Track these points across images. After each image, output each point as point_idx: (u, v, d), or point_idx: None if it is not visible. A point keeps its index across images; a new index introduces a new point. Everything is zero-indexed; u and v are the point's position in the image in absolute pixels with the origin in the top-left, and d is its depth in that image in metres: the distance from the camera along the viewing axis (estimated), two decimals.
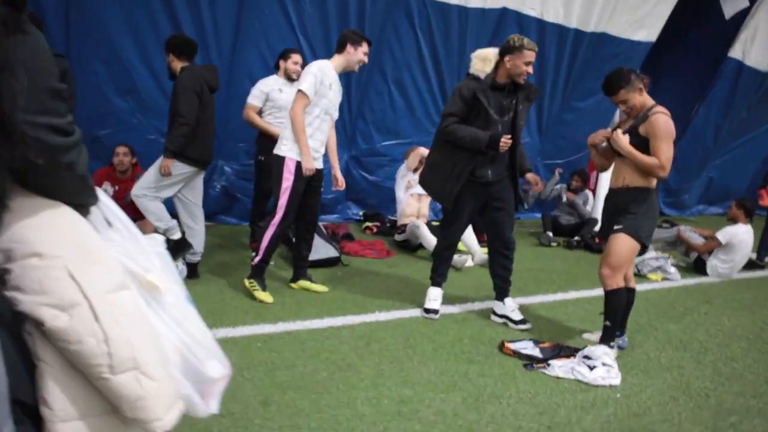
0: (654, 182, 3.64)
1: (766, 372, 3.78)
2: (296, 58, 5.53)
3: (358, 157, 7.37)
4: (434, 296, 4.37)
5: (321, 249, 5.44)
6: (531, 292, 5.10)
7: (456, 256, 5.74)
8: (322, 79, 4.19)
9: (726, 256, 6.14)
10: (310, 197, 4.48)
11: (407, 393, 3.12)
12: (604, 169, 4.01)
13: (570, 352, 3.71)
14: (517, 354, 3.71)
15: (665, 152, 3.51)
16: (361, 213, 7.53)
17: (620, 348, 3.89)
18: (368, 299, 4.59)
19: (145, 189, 4.44)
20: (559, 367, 3.52)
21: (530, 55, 3.86)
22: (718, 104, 9.44)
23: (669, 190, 10.07)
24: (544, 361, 3.62)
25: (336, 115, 4.48)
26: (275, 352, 3.55)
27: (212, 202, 6.85)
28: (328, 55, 6.57)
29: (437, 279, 4.42)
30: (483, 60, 4.04)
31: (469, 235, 6.10)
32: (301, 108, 4.17)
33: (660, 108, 3.58)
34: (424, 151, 6.31)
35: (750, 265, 6.58)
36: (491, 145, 3.92)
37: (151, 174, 4.48)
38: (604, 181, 8.06)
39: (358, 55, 4.32)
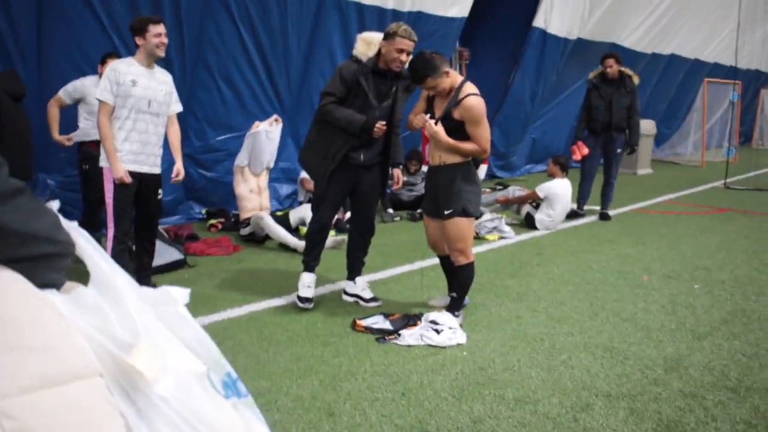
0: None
1: (589, 310, 4.21)
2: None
3: (193, 155, 7.10)
4: (308, 282, 4.28)
5: (164, 253, 5.20)
6: (379, 268, 5.25)
7: (333, 237, 5.77)
8: (117, 78, 3.97)
9: (548, 209, 6.73)
10: (144, 204, 4.28)
11: (264, 384, 3.11)
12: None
13: (418, 320, 3.89)
14: (369, 330, 3.82)
15: (483, 135, 3.68)
16: (204, 211, 7.29)
17: (462, 306, 4.14)
18: (218, 297, 4.48)
19: None
20: (409, 336, 3.68)
21: (403, 43, 3.81)
22: (530, 71, 10.19)
23: (498, 154, 10.76)
24: (395, 332, 3.76)
25: (162, 109, 4.19)
26: None
27: None
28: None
29: (311, 263, 4.32)
30: (367, 43, 4.02)
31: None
32: (104, 115, 3.99)
33: (469, 87, 3.70)
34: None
35: (572, 215, 7.27)
36: (365, 130, 3.90)
37: None
38: None
39: (150, 40, 4.03)
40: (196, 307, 4.23)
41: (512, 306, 4.29)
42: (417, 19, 7.95)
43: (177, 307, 1.12)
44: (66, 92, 5.20)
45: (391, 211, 7.45)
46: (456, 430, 2.67)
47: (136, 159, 4.08)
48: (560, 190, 6.75)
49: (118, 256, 4.07)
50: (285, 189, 7.74)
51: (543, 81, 10.43)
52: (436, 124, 3.65)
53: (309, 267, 4.31)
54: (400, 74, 4.01)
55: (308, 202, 6.78)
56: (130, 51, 5.98)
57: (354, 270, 4.43)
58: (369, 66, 3.93)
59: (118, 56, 5.21)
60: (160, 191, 4.36)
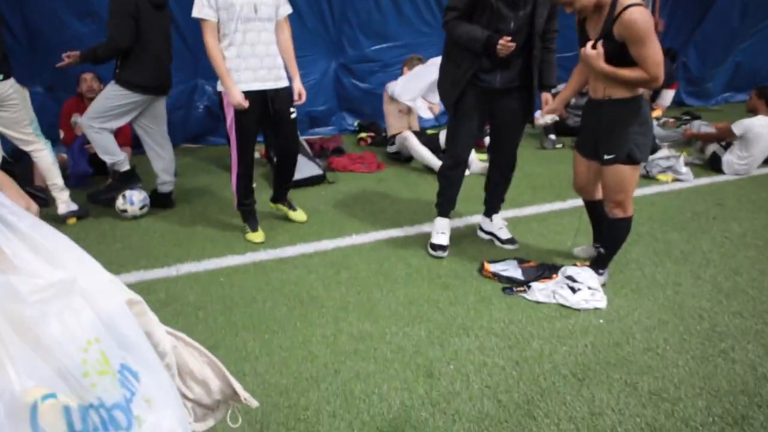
0: (641, 89, 3.08)
1: None
2: None
3: (347, 65, 6.91)
4: (441, 228, 3.84)
5: (304, 167, 5.14)
6: (525, 203, 4.77)
7: (484, 163, 5.34)
8: None
9: (742, 151, 5.66)
10: (276, 126, 3.86)
11: (368, 328, 2.91)
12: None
13: (554, 272, 3.43)
14: (497, 276, 3.44)
15: (652, 57, 2.84)
16: (356, 123, 7.15)
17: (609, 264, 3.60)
18: (348, 221, 4.34)
19: (92, 119, 4.13)
20: (540, 291, 3.25)
21: None
22: None
23: (690, 79, 9.34)
24: (525, 283, 3.35)
25: (272, 12, 3.61)
26: (237, 287, 3.35)
27: (196, 123, 6.59)
28: None
29: (445, 206, 3.85)
30: None
31: None
32: (209, 36, 3.51)
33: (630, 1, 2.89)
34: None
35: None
36: (488, 48, 3.28)
37: (97, 103, 4.15)
38: None
39: None
40: (321, 231, 4.13)
41: (672, 268, 3.64)
42: None
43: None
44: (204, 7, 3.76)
45: (553, 137, 6.76)
46: (568, 421, 2.28)
47: (255, 76, 3.63)
48: (762, 130, 5.60)
49: (241, 184, 3.91)
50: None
51: None
52: (594, 47, 2.99)
53: (443, 211, 3.88)
54: None
55: None
56: None
57: (492, 207, 4.01)
58: None
59: None
60: (292, 110, 3.86)
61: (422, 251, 3.81)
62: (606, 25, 2.89)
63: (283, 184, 4.27)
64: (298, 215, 4.34)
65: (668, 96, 8.58)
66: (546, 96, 3.63)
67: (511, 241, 3.91)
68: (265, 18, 3.59)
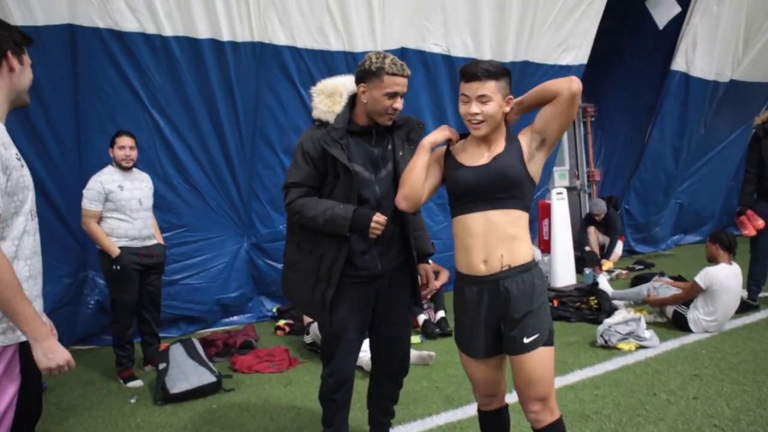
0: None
1: None
2: (123, 141, 4.41)
3: (259, 244, 6.19)
4: None
5: (191, 375, 4.18)
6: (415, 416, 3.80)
7: (415, 353, 4.44)
8: None
9: (707, 306, 4.93)
10: None
11: None
12: (416, 193, 2.56)
13: None
14: None
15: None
16: (274, 309, 6.29)
17: None
18: None
19: None
20: None
21: (395, 83, 2.55)
22: (671, 123, 8.45)
23: (637, 226, 8.96)
24: None
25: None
26: None
27: (87, 321, 5.63)
28: (195, 132, 5.59)
29: None
30: (329, 95, 2.70)
31: None
32: None
33: None
34: None
35: (744, 307, 5.40)
36: (358, 228, 2.58)
37: None
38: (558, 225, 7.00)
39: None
40: None
41: None
42: (524, 69, 6.69)
43: None
44: (90, 201, 4.32)
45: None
46: None
47: None
48: (728, 282, 4.90)
49: None
50: None
51: (688, 135, 8.58)
52: None
53: None
54: (393, 123, 2.71)
55: None
56: (171, 125, 5.36)
57: (380, 427, 3.05)
58: (341, 126, 2.64)
59: (126, 134, 4.46)
60: None
61: None
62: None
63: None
64: None
65: (619, 247, 8.11)
66: (426, 268, 2.92)
67: None
68: None
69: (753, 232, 5.43)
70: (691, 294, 5.04)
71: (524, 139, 2.39)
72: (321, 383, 2.90)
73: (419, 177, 2.44)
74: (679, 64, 8.08)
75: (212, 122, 5.68)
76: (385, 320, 2.84)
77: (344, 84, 2.73)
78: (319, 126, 2.69)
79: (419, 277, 2.92)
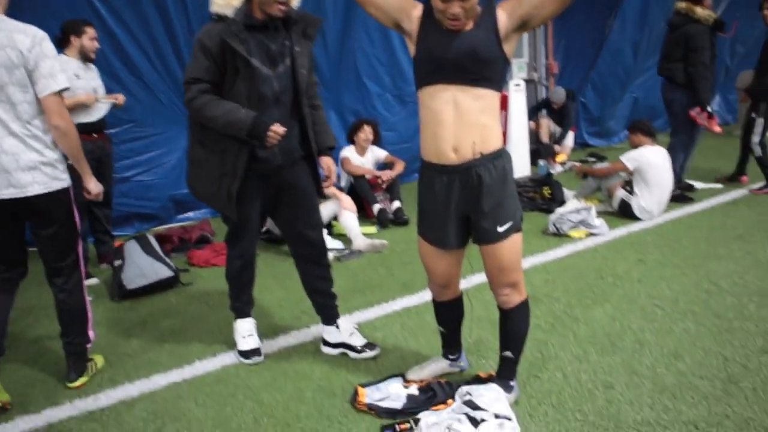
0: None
1: (723, 371, 2.71)
2: (93, 32, 4.25)
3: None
4: (246, 331, 3.13)
5: (148, 271, 4.16)
6: (371, 303, 3.75)
7: (368, 241, 4.62)
8: None
9: (643, 190, 5.15)
10: None
11: None
12: None
13: (450, 395, 2.57)
14: (373, 409, 2.54)
15: None
16: None
17: (461, 370, 2.80)
18: (194, 341, 3.34)
19: None
20: (431, 425, 2.37)
21: None
22: (632, 16, 8.33)
23: (591, 119, 9.03)
24: (412, 413, 2.47)
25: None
26: None
27: None
28: (140, 21, 5.24)
29: (244, 308, 3.17)
30: None
31: (347, 219, 4.93)
32: None
33: None
34: None
35: (678, 199, 5.61)
36: (256, 135, 2.62)
37: None
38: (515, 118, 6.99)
39: None
40: (159, 358, 3.14)
41: (599, 362, 2.85)
42: None
43: None
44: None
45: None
46: None
47: None
48: (654, 158, 5.14)
49: None
50: None
51: (648, 28, 8.47)
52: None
53: (242, 312, 3.17)
54: (289, 18, 2.70)
55: (350, 190, 5.55)
56: (115, 14, 5.03)
57: (327, 310, 3.14)
58: (239, 20, 2.61)
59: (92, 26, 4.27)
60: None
61: (281, 380, 2.87)
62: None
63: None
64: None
65: (570, 138, 8.18)
66: (327, 161, 3.00)
67: (369, 346, 3.04)
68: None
69: (717, 130, 5.53)
70: (616, 169, 5.31)
71: (503, 16, 2.19)
72: (228, 265, 3.08)
73: None
74: None
75: (158, 11, 5.36)
76: (293, 209, 2.94)
77: None
78: (218, 20, 2.65)
79: (321, 170, 3.00)
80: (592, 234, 4.81)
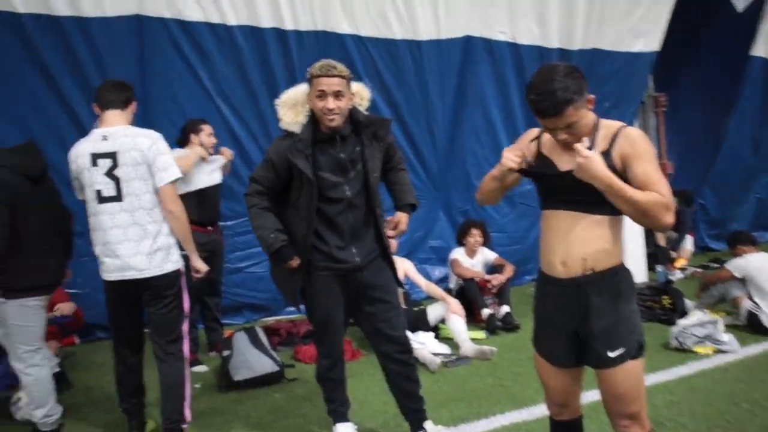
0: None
1: None
2: (210, 128, 4.52)
3: None
4: None
5: (254, 364, 4.21)
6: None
7: (429, 355, 4.43)
8: None
9: (759, 297, 4.82)
10: None
11: None
12: (491, 201, 2.59)
13: None
14: None
15: (663, 179, 2.04)
16: None
17: None
18: None
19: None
20: None
21: (321, 83, 2.68)
22: (751, 112, 8.02)
23: (712, 221, 8.54)
24: None
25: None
26: None
27: None
28: (259, 122, 5.58)
29: (339, 410, 3.21)
30: (291, 106, 2.86)
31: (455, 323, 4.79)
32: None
33: (611, 121, 2.18)
34: None
35: None
36: (277, 260, 2.89)
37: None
38: None
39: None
40: None
41: None
42: (593, 57, 6.43)
43: None
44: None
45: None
46: None
47: None
48: (761, 263, 4.90)
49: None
50: (438, 272, 6.48)
51: None
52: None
53: (339, 416, 3.22)
54: (358, 123, 2.83)
55: (459, 292, 5.45)
56: (236, 114, 5.37)
57: (413, 414, 3.09)
58: (307, 136, 2.78)
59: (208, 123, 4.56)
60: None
61: None
62: (602, 145, 2.11)
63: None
64: None
65: (690, 242, 7.73)
66: (399, 215, 3.04)
67: None
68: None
69: None
70: (722, 277, 5.06)
71: (618, 159, 2.07)
72: (317, 365, 3.19)
73: (488, 191, 2.44)
74: (760, 50, 7.67)
75: (276, 113, 5.70)
76: (372, 305, 2.98)
77: (303, 94, 2.84)
78: (287, 136, 2.85)
79: (387, 222, 3.02)
80: (720, 351, 4.41)
